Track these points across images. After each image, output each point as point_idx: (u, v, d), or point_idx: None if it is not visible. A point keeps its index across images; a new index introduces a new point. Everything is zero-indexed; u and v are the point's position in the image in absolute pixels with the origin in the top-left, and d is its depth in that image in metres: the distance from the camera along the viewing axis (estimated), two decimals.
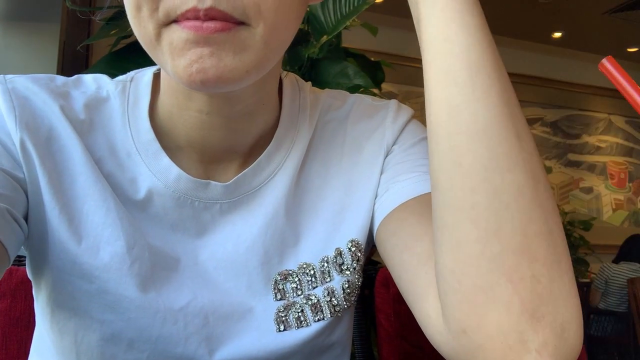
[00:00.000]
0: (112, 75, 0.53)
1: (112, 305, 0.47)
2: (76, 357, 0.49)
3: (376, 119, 0.56)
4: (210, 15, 0.38)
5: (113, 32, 1.33)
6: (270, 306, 0.50)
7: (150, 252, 0.47)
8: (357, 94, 0.60)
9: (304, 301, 0.50)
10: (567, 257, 0.37)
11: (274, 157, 0.51)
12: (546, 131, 5.66)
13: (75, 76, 0.54)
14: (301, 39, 1.34)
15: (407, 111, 0.58)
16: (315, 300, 0.50)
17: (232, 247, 0.50)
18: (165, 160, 0.48)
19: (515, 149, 0.37)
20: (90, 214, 0.46)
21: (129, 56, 1.31)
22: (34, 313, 0.77)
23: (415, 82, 5.21)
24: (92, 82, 0.53)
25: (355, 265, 0.51)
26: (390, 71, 1.75)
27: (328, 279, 0.51)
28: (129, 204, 0.48)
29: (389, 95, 5.04)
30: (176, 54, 0.39)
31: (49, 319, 0.50)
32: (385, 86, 4.01)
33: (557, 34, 5.41)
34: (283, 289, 0.50)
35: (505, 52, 5.49)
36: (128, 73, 0.54)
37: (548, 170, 5.58)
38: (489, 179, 0.36)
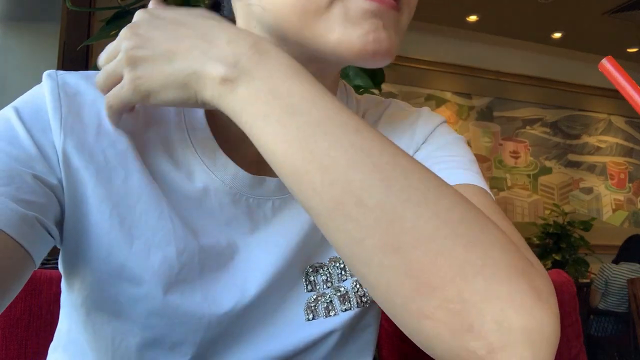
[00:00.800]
0: None
1: (158, 310, 0.47)
2: (112, 358, 0.49)
3: (407, 122, 0.58)
4: None
5: (113, 32, 1.33)
6: (301, 297, 0.52)
7: (200, 255, 0.47)
8: (393, 99, 0.62)
9: (333, 292, 0.52)
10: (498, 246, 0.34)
11: None
12: (546, 131, 5.66)
13: None
14: None
15: (439, 116, 0.59)
16: (344, 292, 0.52)
17: (283, 245, 0.50)
18: (222, 157, 0.49)
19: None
20: (144, 215, 0.46)
21: None
22: (34, 313, 0.77)
23: (415, 83, 5.21)
24: None
25: None
26: (390, 72, 1.75)
27: None
28: (185, 200, 0.48)
29: (389, 96, 5.03)
30: (351, 23, 0.41)
31: (83, 320, 0.50)
32: (385, 87, 4.01)
33: (557, 34, 5.42)
34: (314, 280, 0.52)
35: (505, 53, 5.50)
36: None
37: (548, 170, 5.58)
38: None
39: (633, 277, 3.75)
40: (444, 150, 0.54)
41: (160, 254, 0.46)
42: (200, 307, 0.47)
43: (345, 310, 0.52)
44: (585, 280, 4.44)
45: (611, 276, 4.00)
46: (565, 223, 4.93)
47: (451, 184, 0.45)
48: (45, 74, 0.46)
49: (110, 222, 0.45)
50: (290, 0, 0.42)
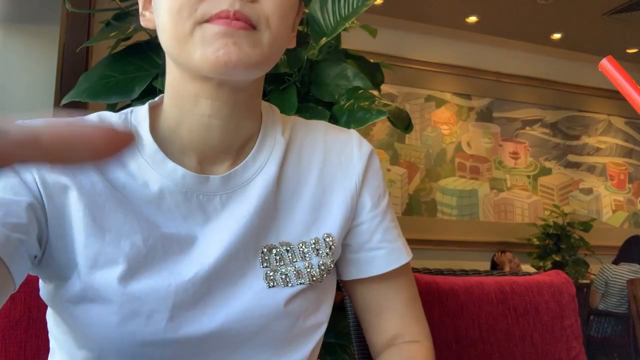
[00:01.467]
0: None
1: (132, 286, 0.57)
2: (94, 337, 0.58)
3: (342, 138, 0.71)
4: (236, 16, 0.53)
5: (113, 34, 1.33)
6: (258, 271, 0.62)
7: (163, 241, 0.59)
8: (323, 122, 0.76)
9: (289, 268, 0.63)
10: None
11: (257, 158, 0.64)
12: (546, 132, 5.67)
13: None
14: (300, 41, 1.34)
15: (368, 145, 0.73)
16: (298, 269, 0.64)
17: (234, 228, 0.61)
18: (171, 164, 0.60)
19: None
20: (112, 212, 0.57)
21: (128, 58, 1.32)
22: (33, 315, 0.77)
23: (415, 84, 5.21)
24: (96, 117, 0.64)
25: (328, 251, 0.66)
26: (389, 73, 1.75)
27: (307, 258, 0.65)
28: (145, 203, 0.59)
29: (389, 97, 5.05)
30: (207, 44, 0.53)
31: (70, 312, 0.58)
32: (384, 87, 4.02)
33: (557, 35, 5.42)
34: (268, 259, 0.63)
35: (505, 53, 5.50)
36: (124, 110, 0.65)
37: (548, 171, 5.59)
38: None
39: (633, 277, 3.75)
40: (379, 206, 0.70)
41: (129, 241, 0.57)
42: (167, 279, 0.58)
43: (300, 284, 0.63)
44: (585, 281, 4.44)
45: (611, 277, 4.00)
46: (565, 224, 4.93)
47: (390, 268, 0.69)
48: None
49: (85, 220, 0.56)
50: (167, 31, 0.56)
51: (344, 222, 0.67)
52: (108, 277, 0.56)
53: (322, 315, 0.68)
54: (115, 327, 0.56)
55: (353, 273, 0.70)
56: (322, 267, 0.65)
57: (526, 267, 4.43)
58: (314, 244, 0.65)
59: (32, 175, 0.54)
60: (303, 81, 1.31)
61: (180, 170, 0.59)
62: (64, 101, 1.24)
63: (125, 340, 0.57)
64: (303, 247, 0.64)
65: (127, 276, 0.56)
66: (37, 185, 0.54)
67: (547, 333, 1.10)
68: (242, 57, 0.53)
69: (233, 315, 0.60)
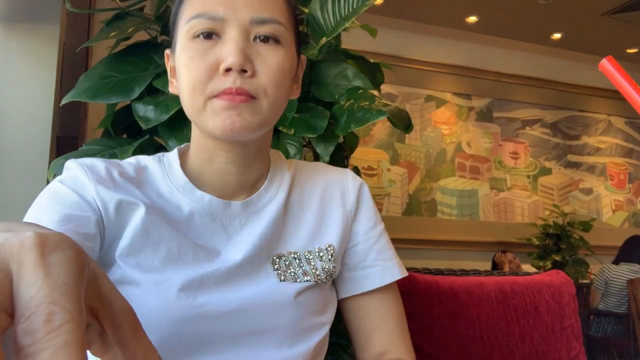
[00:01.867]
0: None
1: (164, 274, 0.68)
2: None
3: (338, 172, 0.85)
4: (238, 92, 0.65)
5: (113, 34, 1.33)
6: (271, 272, 0.74)
7: (194, 250, 0.70)
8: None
9: (297, 269, 0.74)
10: None
11: (269, 190, 0.78)
12: (546, 132, 5.67)
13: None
14: (300, 41, 1.34)
15: (360, 179, 0.86)
16: (305, 270, 0.75)
17: (250, 242, 0.73)
18: (199, 192, 0.73)
19: None
20: (152, 226, 0.69)
21: (128, 58, 1.32)
22: None
23: (415, 84, 5.21)
24: (132, 159, 0.78)
25: (330, 257, 0.77)
26: (389, 73, 1.75)
27: (312, 262, 0.76)
28: (178, 223, 0.71)
29: (389, 97, 5.04)
30: (216, 115, 0.66)
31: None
32: (384, 87, 4.02)
33: (557, 35, 5.42)
34: (278, 263, 0.74)
35: (505, 53, 5.51)
36: (156, 155, 0.79)
37: (548, 171, 5.59)
38: None
39: (633, 277, 3.75)
40: (374, 230, 0.82)
41: (165, 248, 0.69)
42: (196, 268, 0.69)
43: (307, 280, 0.74)
44: (585, 281, 4.44)
45: (611, 277, 4.00)
46: (565, 224, 4.93)
47: (384, 283, 0.79)
48: (68, 163, 0.73)
49: (140, 227, 0.69)
50: (186, 103, 0.69)
51: (342, 237, 0.79)
52: (148, 279, 0.67)
53: (326, 318, 0.77)
54: (150, 304, 0.66)
55: (349, 289, 0.80)
56: (326, 270, 0.76)
57: (526, 267, 4.43)
58: (318, 252, 0.77)
59: (92, 196, 0.68)
60: (303, 81, 1.31)
61: (207, 197, 0.73)
62: (63, 101, 1.24)
63: (160, 314, 0.66)
64: (309, 255, 0.76)
65: (161, 268, 0.68)
66: (97, 205, 0.67)
67: (547, 333, 1.10)
68: (244, 124, 0.66)
69: (250, 299, 0.70)
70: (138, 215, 0.69)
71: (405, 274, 0.80)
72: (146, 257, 0.69)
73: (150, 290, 0.67)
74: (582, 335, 1.13)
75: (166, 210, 0.72)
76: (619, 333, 3.98)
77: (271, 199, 0.77)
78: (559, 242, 4.85)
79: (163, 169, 0.76)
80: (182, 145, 0.81)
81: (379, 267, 0.79)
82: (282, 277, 0.73)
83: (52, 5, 1.96)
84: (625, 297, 3.88)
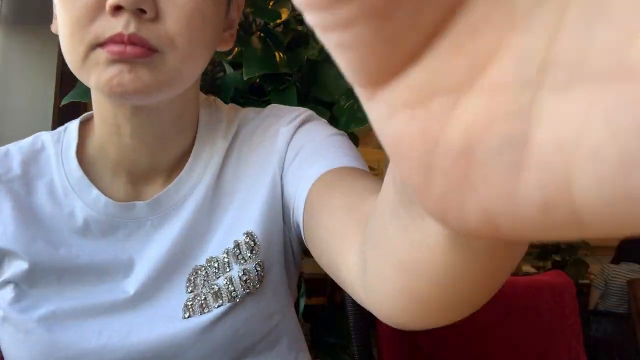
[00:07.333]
0: None
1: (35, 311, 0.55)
2: None
3: (281, 121, 0.59)
4: (132, 40, 0.46)
5: None
6: (182, 298, 0.55)
7: (84, 272, 0.55)
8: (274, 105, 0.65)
9: (208, 290, 0.55)
10: None
11: (193, 172, 0.58)
12: None
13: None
14: (301, 41, 1.34)
15: (309, 113, 0.60)
16: (217, 289, 0.55)
17: (163, 252, 0.56)
18: (95, 192, 0.56)
19: None
20: (37, 278, 0.55)
21: None
22: None
23: None
24: (31, 137, 0.61)
25: (249, 254, 0.55)
26: None
27: (228, 269, 0.55)
28: (71, 234, 0.56)
29: None
30: (100, 69, 0.47)
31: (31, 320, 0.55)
32: None
33: None
34: (194, 281, 0.56)
35: None
36: (60, 128, 0.61)
37: None
38: None
39: (632, 277, 3.75)
40: (321, 144, 0.55)
41: (55, 277, 0.55)
42: (77, 296, 0.55)
43: (218, 306, 0.55)
44: (585, 281, 4.44)
45: (611, 277, 4.00)
46: None
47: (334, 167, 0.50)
48: None
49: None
50: (65, 53, 0.50)
51: (267, 207, 0.56)
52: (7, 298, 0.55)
53: (270, 324, 0.58)
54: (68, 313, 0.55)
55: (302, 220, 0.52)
56: (245, 278, 0.55)
57: (526, 267, 4.43)
58: (235, 248, 0.56)
59: None
60: (303, 81, 1.31)
61: (102, 199, 0.56)
62: (64, 101, 1.24)
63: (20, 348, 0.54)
64: (226, 256, 0.56)
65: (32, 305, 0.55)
66: None
67: (547, 333, 1.10)
68: (138, 85, 0.47)
69: (149, 341, 0.54)
70: (15, 269, 0.54)
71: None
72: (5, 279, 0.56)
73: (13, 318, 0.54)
74: (582, 336, 1.14)
75: (57, 219, 0.56)
76: (619, 333, 3.98)
77: (194, 186, 0.57)
78: (559, 242, 4.85)
79: (59, 154, 0.58)
80: (89, 112, 0.60)
81: (326, 158, 0.52)
82: (189, 311, 0.55)
83: (52, 5, 1.96)
84: (625, 296, 3.88)
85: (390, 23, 0.13)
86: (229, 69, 1.28)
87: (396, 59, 0.14)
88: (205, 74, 1.32)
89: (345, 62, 0.14)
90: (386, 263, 0.28)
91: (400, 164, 0.15)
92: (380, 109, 0.15)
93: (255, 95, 1.28)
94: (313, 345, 1.21)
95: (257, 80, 1.26)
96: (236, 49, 1.25)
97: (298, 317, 1.17)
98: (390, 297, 0.29)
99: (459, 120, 0.13)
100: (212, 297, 0.55)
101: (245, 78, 1.19)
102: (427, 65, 0.14)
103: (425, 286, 0.26)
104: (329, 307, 1.21)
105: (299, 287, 1.14)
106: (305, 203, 0.50)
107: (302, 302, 1.22)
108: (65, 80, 2.13)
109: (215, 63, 1.29)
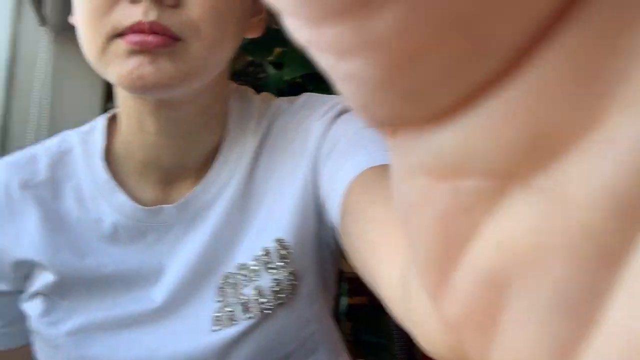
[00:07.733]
0: None
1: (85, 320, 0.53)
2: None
3: (316, 113, 0.54)
4: (153, 29, 0.43)
5: None
6: (210, 308, 0.52)
7: (112, 281, 0.52)
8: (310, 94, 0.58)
9: (236, 300, 0.51)
10: None
11: (222, 171, 0.54)
12: None
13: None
14: None
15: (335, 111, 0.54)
16: (245, 300, 0.51)
17: (192, 258, 0.53)
18: (121, 196, 0.53)
19: None
20: (65, 290, 0.52)
21: None
22: None
23: None
24: (58, 137, 0.58)
25: (281, 263, 0.51)
26: None
27: (257, 278, 0.51)
28: (100, 240, 0.53)
29: None
30: (120, 60, 0.44)
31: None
32: None
33: None
34: (224, 290, 0.52)
35: None
36: (86, 126, 0.59)
37: None
38: None
39: None
40: (356, 139, 0.48)
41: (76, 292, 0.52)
42: (102, 308, 0.53)
43: (248, 318, 0.51)
44: None
45: None
46: None
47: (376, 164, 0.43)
48: None
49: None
50: (83, 46, 0.47)
51: (298, 211, 0.51)
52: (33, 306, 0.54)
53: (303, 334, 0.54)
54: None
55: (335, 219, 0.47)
56: (277, 289, 0.51)
57: None
58: (264, 256, 0.52)
59: None
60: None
61: (129, 204, 0.53)
62: (109, 106, 1.28)
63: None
64: (256, 264, 0.52)
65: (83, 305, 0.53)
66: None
67: None
68: (161, 77, 0.44)
69: (178, 355, 0.52)
70: (43, 281, 0.52)
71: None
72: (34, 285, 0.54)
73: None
74: None
75: (85, 225, 0.53)
76: None
77: (224, 186, 0.53)
78: None
79: (86, 154, 0.55)
80: (116, 109, 0.57)
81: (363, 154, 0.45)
82: (218, 323, 0.51)
83: None
84: None
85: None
86: (270, 70, 1.29)
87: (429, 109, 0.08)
88: (247, 75, 1.32)
89: (355, 100, 0.09)
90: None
91: (411, 239, 0.10)
92: (397, 157, 0.10)
93: (297, 95, 1.29)
94: (354, 344, 1.21)
95: (299, 80, 1.26)
96: (278, 49, 1.25)
97: (340, 317, 1.17)
98: (439, 339, 0.22)
99: (494, 231, 0.08)
100: (242, 308, 0.51)
101: (286, 78, 1.19)
102: (464, 125, 0.08)
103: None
104: (371, 306, 1.21)
105: (339, 285, 1.14)
106: (341, 207, 0.43)
107: (345, 301, 1.21)
108: (111, 86, 2.19)
109: (257, 64, 1.30)
